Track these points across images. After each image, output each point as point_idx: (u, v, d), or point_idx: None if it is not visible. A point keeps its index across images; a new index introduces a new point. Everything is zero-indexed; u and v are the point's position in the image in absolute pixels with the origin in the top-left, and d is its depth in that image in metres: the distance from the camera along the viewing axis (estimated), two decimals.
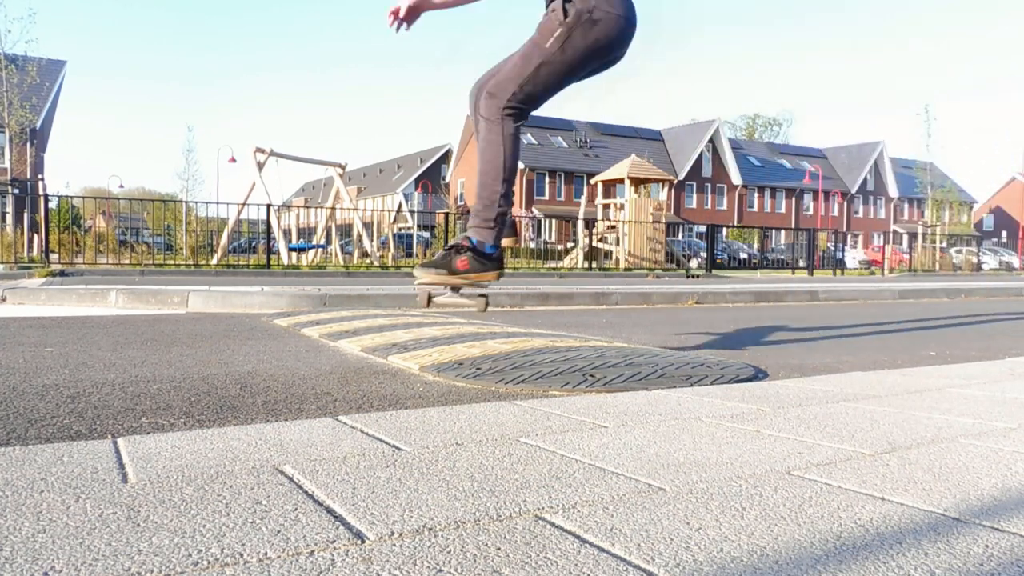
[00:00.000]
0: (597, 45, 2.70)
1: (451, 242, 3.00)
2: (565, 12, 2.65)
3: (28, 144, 32.81)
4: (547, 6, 2.77)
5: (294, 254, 18.02)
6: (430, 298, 3.01)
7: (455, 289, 2.95)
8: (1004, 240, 59.09)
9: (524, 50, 2.76)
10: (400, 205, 59.49)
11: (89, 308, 5.97)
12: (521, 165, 48.02)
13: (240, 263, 17.09)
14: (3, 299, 6.23)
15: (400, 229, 34.59)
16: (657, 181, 22.36)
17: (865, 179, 61.80)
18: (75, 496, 1.17)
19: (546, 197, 49.18)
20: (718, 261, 21.46)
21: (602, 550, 0.99)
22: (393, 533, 1.04)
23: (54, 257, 16.77)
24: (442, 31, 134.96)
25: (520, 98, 2.76)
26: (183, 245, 22.37)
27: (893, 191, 62.62)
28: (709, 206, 54.94)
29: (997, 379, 2.56)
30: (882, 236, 33.24)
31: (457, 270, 2.87)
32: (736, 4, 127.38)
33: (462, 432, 1.66)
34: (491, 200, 2.82)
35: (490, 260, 2.88)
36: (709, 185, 55.27)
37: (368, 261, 19.63)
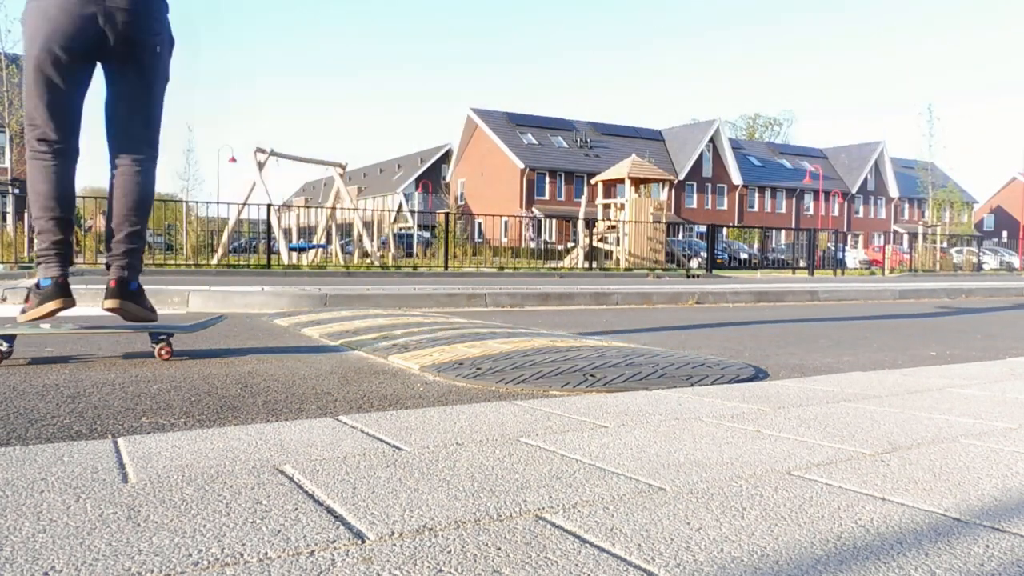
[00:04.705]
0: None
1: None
2: None
3: None
4: None
5: (294, 254, 18.04)
6: None
7: None
8: (1005, 240, 59.03)
9: None
10: (400, 205, 59.52)
11: (89, 308, 5.96)
12: (522, 165, 47.97)
13: (241, 263, 17.09)
14: (3, 299, 6.23)
15: (400, 229, 34.60)
16: (657, 181, 22.37)
17: (866, 179, 61.76)
18: (75, 496, 1.17)
19: (546, 197, 49.15)
20: (718, 261, 21.45)
21: (602, 550, 0.99)
22: (393, 533, 1.04)
23: None
24: (442, 31, 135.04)
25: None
26: (183, 245, 22.39)
27: (894, 191, 62.59)
28: (709, 206, 54.91)
29: (998, 379, 2.55)
30: (882, 236, 33.23)
31: None
32: (737, 3, 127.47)
33: (462, 432, 1.66)
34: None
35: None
36: (709, 185, 55.23)
37: (368, 261, 19.63)
